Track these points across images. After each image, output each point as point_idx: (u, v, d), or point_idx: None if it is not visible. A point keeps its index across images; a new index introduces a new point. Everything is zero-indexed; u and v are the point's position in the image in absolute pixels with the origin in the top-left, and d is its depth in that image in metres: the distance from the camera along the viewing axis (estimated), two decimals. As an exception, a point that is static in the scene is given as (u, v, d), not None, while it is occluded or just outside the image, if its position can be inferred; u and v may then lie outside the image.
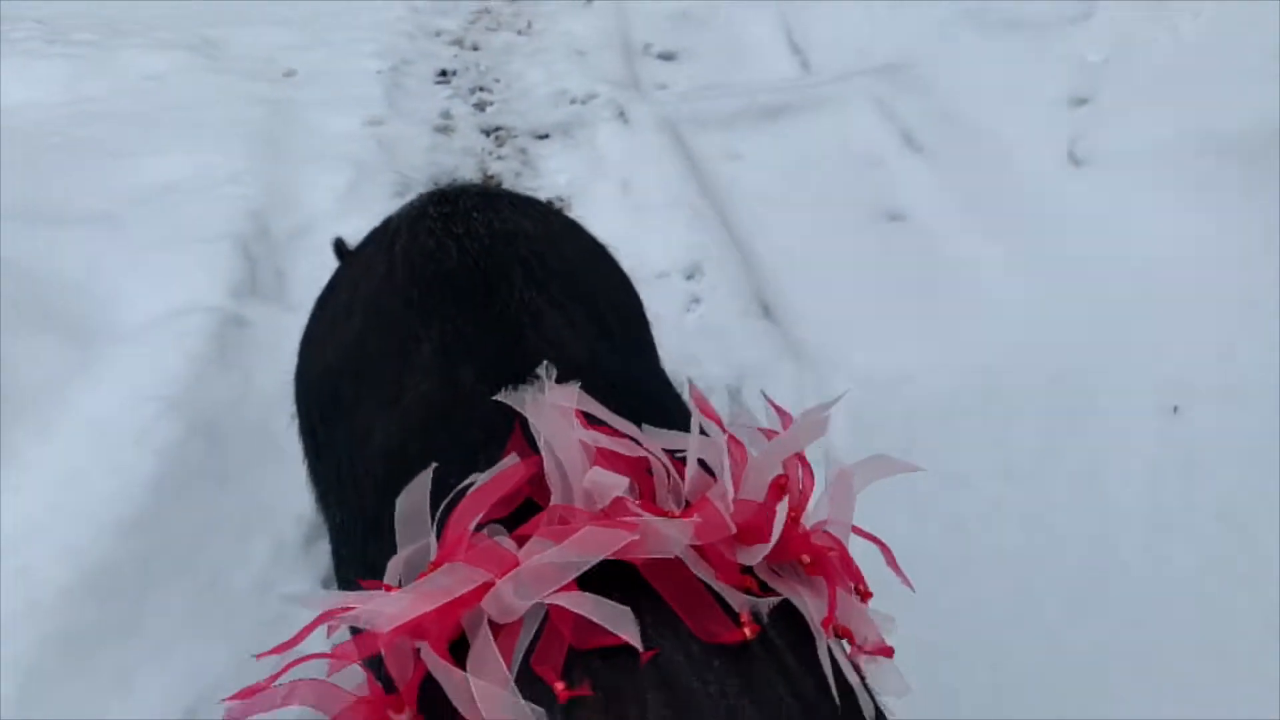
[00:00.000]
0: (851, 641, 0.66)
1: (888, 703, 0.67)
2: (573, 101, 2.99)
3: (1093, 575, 1.60)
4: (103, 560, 1.38)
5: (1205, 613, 1.55)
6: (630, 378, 0.74)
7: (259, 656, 0.69)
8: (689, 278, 2.11)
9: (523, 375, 0.69)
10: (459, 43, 3.72)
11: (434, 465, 0.68)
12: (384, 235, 0.98)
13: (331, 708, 0.63)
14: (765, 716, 0.56)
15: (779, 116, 2.73)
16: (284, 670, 0.63)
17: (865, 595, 0.69)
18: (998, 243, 2.18)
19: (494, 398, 0.68)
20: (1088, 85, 2.55)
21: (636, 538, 0.60)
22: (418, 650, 0.60)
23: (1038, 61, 2.71)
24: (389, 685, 0.63)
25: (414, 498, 0.67)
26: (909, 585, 0.74)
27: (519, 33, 3.78)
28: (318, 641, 0.64)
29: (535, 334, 0.79)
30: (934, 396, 1.80)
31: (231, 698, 0.61)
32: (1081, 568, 1.60)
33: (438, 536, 0.65)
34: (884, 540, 0.73)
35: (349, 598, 0.61)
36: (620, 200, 2.38)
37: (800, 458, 0.67)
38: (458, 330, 0.81)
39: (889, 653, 0.69)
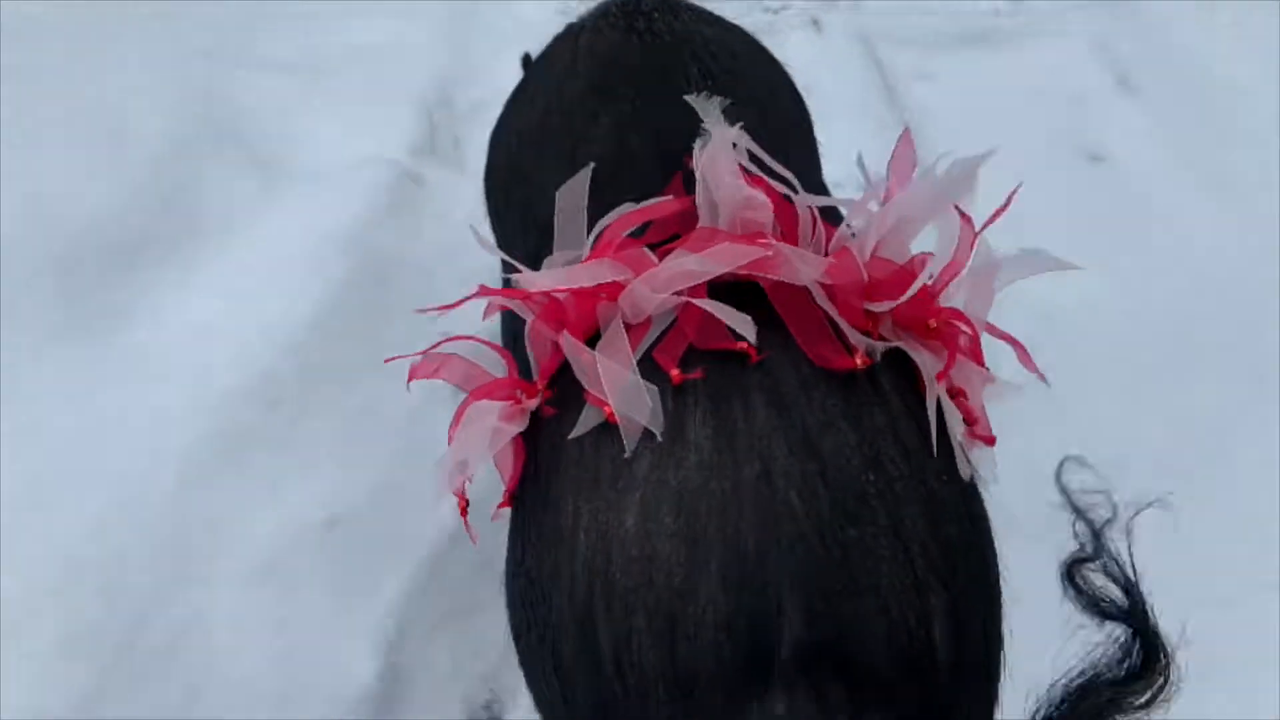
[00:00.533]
0: (965, 402, 0.69)
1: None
2: (765, 10, 2.90)
3: (1262, 553, 1.47)
4: (267, 371, 1.45)
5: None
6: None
7: (418, 311, 0.79)
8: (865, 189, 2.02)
9: (689, 150, 0.72)
10: (657, -54, 3.67)
11: (592, 165, 0.74)
12: (568, 34, 1.05)
13: (472, 384, 0.72)
14: (860, 439, 0.60)
15: (982, 42, 2.57)
16: (437, 344, 0.73)
17: (987, 380, 0.74)
18: (1210, 196, 2.00)
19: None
20: (1343, 41, 2.29)
21: (770, 255, 0.64)
22: (556, 343, 0.68)
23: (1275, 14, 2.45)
24: (526, 377, 0.72)
25: (574, 193, 0.72)
26: (1044, 380, 0.77)
27: (718, -58, 3.69)
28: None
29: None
30: (1112, 338, 1.68)
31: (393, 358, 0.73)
32: (1256, 541, 1.47)
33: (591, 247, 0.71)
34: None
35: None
36: (803, 105, 2.30)
37: (969, 241, 0.71)
38: (633, 108, 0.87)
39: (991, 441, 0.73)
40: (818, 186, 0.94)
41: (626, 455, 0.60)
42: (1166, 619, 1.31)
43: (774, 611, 0.55)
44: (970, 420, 0.71)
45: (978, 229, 0.72)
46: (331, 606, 1.25)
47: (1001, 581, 0.68)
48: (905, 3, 2.90)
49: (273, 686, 1.17)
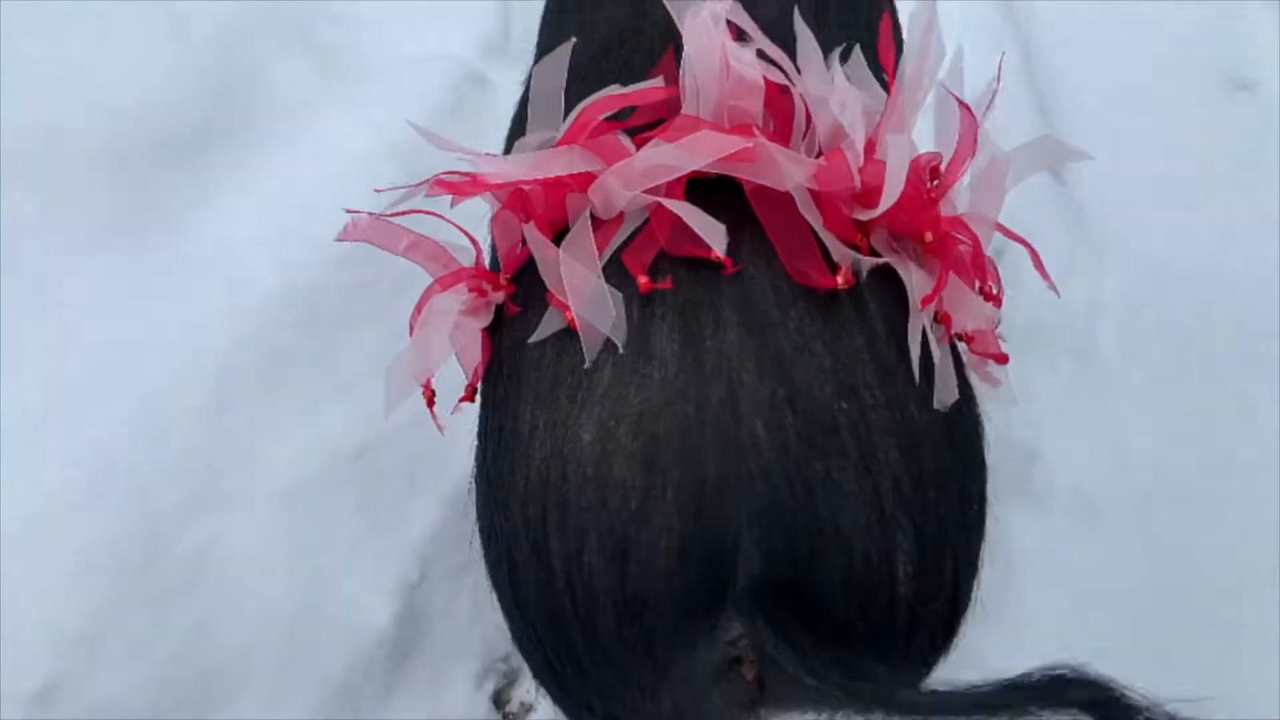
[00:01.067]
0: (948, 328, 0.64)
1: (988, 409, 0.67)
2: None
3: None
4: (312, 284, 1.39)
5: None
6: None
7: (379, 190, 0.75)
8: (969, 113, 1.83)
9: None
10: None
11: (573, 40, 0.67)
12: None
13: (438, 270, 0.70)
14: (835, 364, 0.56)
15: (1121, -53, 2.29)
16: (402, 213, 0.70)
17: (991, 296, 0.69)
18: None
19: None
20: None
21: (751, 145, 0.58)
22: (523, 237, 0.64)
23: None
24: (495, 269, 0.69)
25: (551, 72, 0.67)
26: (1054, 290, 0.74)
27: None
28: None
29: None
30: (1238, 303, 1.50)
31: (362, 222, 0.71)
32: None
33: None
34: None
35: (471, 156, 0.65)
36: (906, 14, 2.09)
37: (971, 132, 0.64)
38: None
39: (1003, 359, 0.70)
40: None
41: (586, 366, 0.58)
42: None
43: (729, 546, 0.54)
44: (967, 339, 0.69)
45: (980, 119, 0.66)
46: (355, 540, 1.22)
47: (987, 507, 0.65)
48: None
49: (287, 620, 1.14)
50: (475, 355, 0.69)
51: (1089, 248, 1.59)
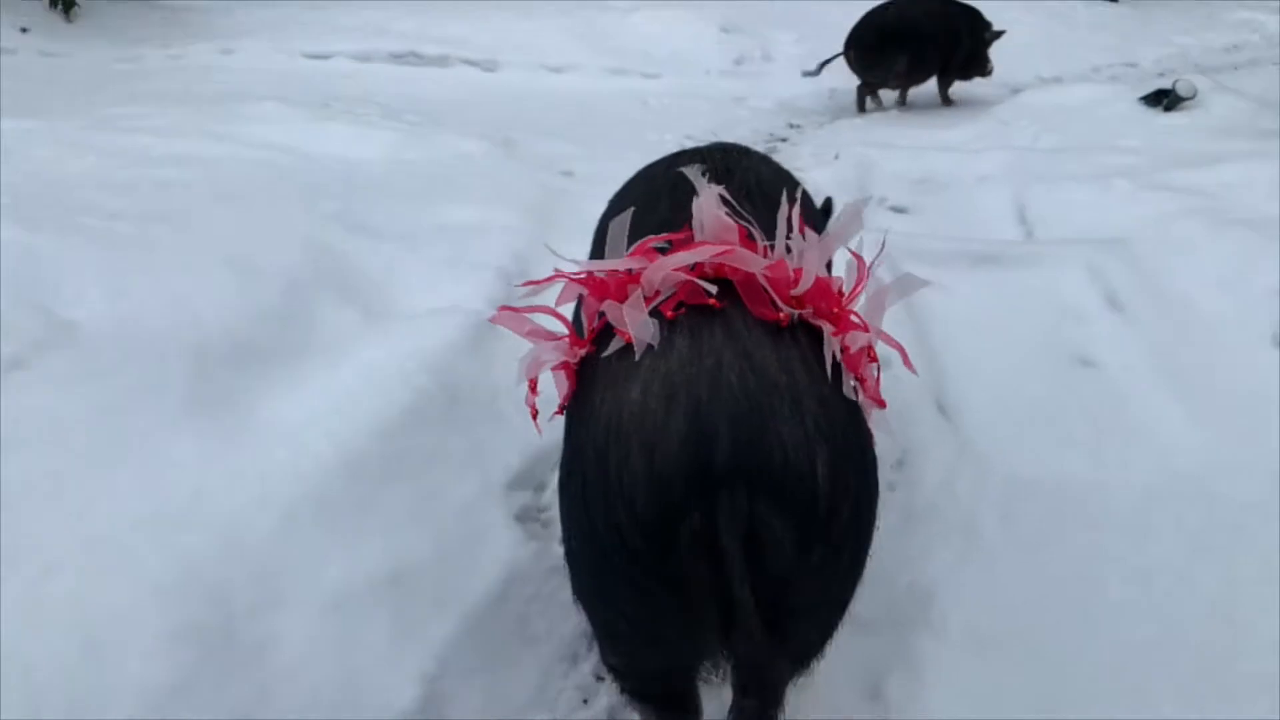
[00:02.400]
0: (847, 351, 1.09)
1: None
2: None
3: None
4: (358, 451, 1.74)
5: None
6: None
7: (518, 284, 1.45)
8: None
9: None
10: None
11: (632, 209, 1.20)
12: (677, 155, 1.62)
13: (542, 338, 1.22)
14: (778, 358, 1.02)
15: (992, 265, 2.92)
16: (530, 309, 1.22)
17: (873, 358, 1.16)
18: (1183, 401, 2.25)
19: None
20: (1310, 282, 2.60)
21: (729, 249, 1.10)
22: (600, 311, 1.13)
23: (1263, 256, 2.79)
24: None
25: (620, 222, 1.19)
26: (912, 370, 1.25)
27: (769, 173, 4.19)
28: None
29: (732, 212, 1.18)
30: (1083, 510, 1.90)
31: (503, 309, 1.29)
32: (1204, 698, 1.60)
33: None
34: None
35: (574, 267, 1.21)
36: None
37: (863, 271, 1.18)
38: (684, 200, 1.22)
39: (883, 405, 1.17)
40: None
41: (635, 360, 1.03)
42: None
43: (713, 439, 0.96)
44: (859, 379, 1.11)
45: (869, 264, 1.19)
46: (386, 643, 1.47)
47: (879, 485, 1.10)
48: (924, 230, 3.31)
49: (329, 697, 1.38)
50: (565, 384, 1.20)
51: (969, 462, 2.01)
